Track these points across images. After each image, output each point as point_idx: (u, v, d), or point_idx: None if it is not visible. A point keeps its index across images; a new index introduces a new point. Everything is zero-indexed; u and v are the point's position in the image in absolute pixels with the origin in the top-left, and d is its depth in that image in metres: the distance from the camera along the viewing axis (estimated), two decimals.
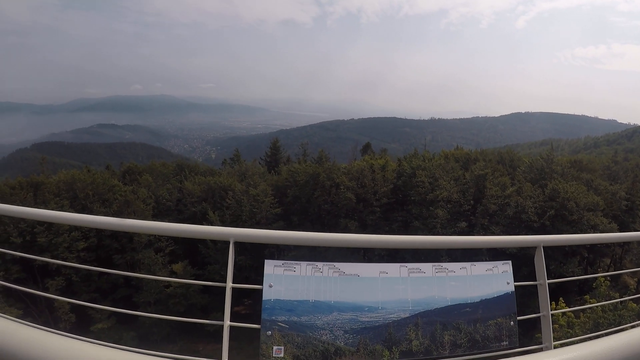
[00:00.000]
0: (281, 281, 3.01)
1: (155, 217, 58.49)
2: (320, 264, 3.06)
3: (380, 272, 3.13)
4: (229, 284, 3.32)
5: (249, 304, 60.07)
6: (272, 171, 68.41)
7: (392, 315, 3.07)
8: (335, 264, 3.08)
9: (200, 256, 55.74)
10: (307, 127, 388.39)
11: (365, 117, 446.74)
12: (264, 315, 3.00)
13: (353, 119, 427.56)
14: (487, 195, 51.82)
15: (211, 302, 53.92)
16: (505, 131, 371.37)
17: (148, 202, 58.55)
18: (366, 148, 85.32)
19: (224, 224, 54.68)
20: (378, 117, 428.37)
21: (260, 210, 53.67)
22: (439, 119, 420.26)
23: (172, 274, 54.21)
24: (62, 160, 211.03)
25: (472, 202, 52.84)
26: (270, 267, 3.05)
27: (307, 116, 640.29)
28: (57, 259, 50.45)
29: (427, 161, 56.36)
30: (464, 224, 50.88)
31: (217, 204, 58.33)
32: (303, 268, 3.05)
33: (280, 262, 3.05)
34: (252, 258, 50.64)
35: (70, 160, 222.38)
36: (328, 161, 65.44)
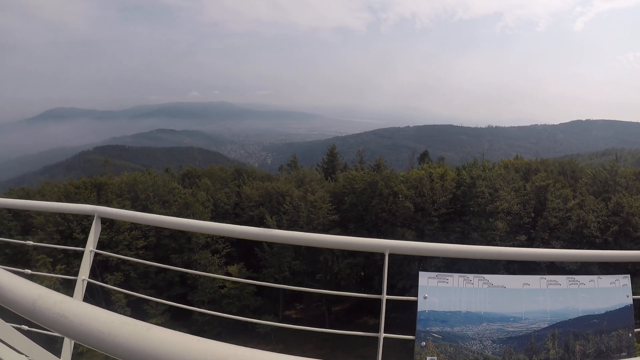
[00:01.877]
0: (435, 293, 3.05)
1: (213, 220, 59.17)
2: (470, 276, 3.10)
3: (524, 284, 3.16)
4: (384, 296, 3.34)
5: (301, 308, 60.25)
6: (329, 178, 68.47)
7: (534, 326, 3.10)
8: (484, 275, 3.11)
9: (256, 259, 56.24)
10: (363, 134, 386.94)
11: (421, 124, 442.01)
12: (418, 327, 3.04)
13: (409, 126, 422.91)
14: (548, 208, 50.07)
15: (264, 304, 54.42)
16: (565, 140, 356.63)
17: (207, 205, 59.55)
18: (424, 156, 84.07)
19: (280, 228, 54.74)
20: (434, 125, 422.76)
21: (318, 216, 53.68)
22: (496, 126, 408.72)
23: (228, 275, 54.81)
24: (123, 162, 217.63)
25: (532, 214, 51.17)
26: (425, 279, 3.08)
27: (362, 123, 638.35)
28: (117, 255, 51.83)
29: (487, 171, 54.88)
30: (523, 237, 49.29)
31: (274, 208, 58.72)
32: (455, 280, 3.08)
33: (434, 274, 3.09)
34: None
35: (131, 163, 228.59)
36: (386, 169, 64.91)
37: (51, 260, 51.86)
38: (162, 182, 64.03)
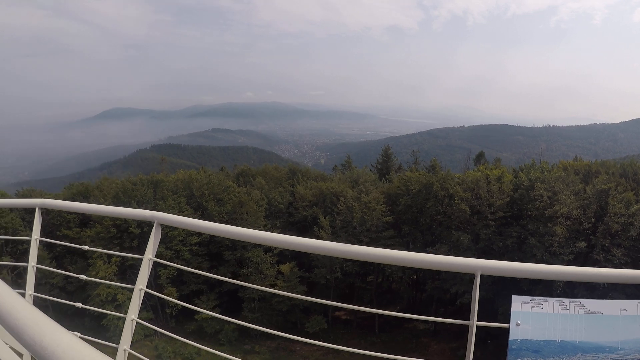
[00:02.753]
0: (528, 319, 2.79)
1: (266, 219, 59.98)
2: (567, 301, 2.81)
3: (621, 310, 2.83)
4: (474, 322, 3.01)
5: (351, 310, 59.91)
6: (383, 179, 67.94)
7: (630, 357, 2.79)
8: (580, 300, 2.83)
9: (308, 258, 56.31)
10: (417, 134, 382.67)
11: (476, 124, 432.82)
12: (510, 356, 2.77)
13: (463, 126, 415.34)
14: (610, 213, 47.52)
15: (313, 304, 54.30)
16: (626, 140, 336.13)
17: (261, 204, 60.04)
18: (479, 157, 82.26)
19: (334, 229, 54.95)
20: (489, 125, 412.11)
21: (371, 217, 53.24)
22: (553, 126, 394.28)
23: (279, 274, 55.27)
24: (179, 160, 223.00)
25: (592, 219, 48.90)
26: (518, 304, 2.82)
27: (416, 123, 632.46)
28: (171, 251, 53.48)
29: (545, 173, 52.86)
30: (582, 244, 46.98)
31: (327, 209, 58.63)
32: (550, 305, 2.80)
33: (528, 299, 2.82)
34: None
35: (187, 161, 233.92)
36: (441, 170, 63.87)
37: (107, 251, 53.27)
38: (217, 181, 64.99)
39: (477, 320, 2.98)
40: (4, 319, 1.58)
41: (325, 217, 56.50)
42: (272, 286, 54.71)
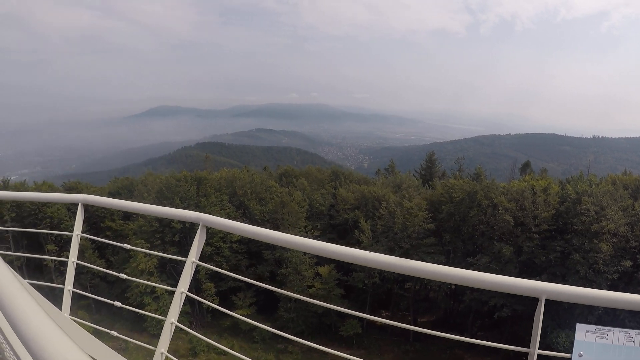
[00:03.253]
0: (592, 350, 2.58)
1: (307, 220, 60.07)
2: (632, 332, 2.58)
3: None
4: (535, 350, 2.92)
5: (386, 315, 59.54)
6: (427, 185, 67.18)
7: None
8: None
9: (347, 262, 56.04)
10: (462, 140, 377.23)
11: (522, 132, 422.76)
12: None
13: (509, 134, 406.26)
14: None
15: (350, 308, 54.02)
16: None
17: (302, 205, 60.21)
18: (525, 167, 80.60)
19: (374, 234, 54.68)
20: (536, 133, 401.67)
21: (413, 224, 52.64)
22: (602, 137, 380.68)
23: (317, 275, 55.27)
24: (222, 159, 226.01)
25: None
26: (582, 333, 2.61)
27: (461, 129, 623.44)
28: (211, 247, 54.85)
29: (593, 186, 51.04)
30: (628, 263, 44.67)
31: (369, 213, 58.40)
32: (615, 336, 2.58)
33: (592, 328, 2.62)
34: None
35: (230, 159, 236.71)
36: (486, 178, 62.79)
37: (148, 245, 54.64)
38: (260, 180, 65.52)
39: (539, 349, 2.77)
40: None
41: (366, 221, 56.32)
42: (309, 287, 54.91)
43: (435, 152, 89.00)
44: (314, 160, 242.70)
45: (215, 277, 55.49)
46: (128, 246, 5.25)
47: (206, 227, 4.06)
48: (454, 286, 58.28)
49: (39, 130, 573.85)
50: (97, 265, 55.35)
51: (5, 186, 68.15)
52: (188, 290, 4.09)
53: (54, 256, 56.21)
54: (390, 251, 50.48)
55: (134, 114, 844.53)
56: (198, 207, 56.66)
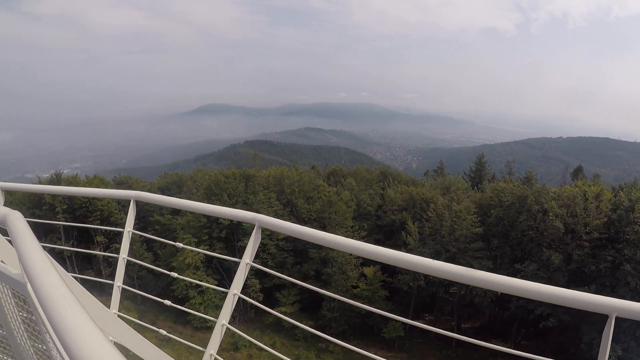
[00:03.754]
0: None
1: (354, 220, 59.92)
2: None
3: None
4: None
5: (429, 320, 58.85)
6: (476, 188, 66.17)
7: None
8: None
9: None
10: (512, 143, 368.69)
11: (574, 135, 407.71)
12: None
13: (561, 137, 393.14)
14: None
15: (393, 310, 53.90)
16: None
17: (350, 205, 60.23)
18: (577, 171, 78.18)
19: (422, 236, 54.19)
20: (588, 137, 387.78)
21: (461, 227, 51.83)
22: None
23: (362, 276, 55.07)
24: (271, 157, 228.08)
25: None
26: None
27: (512, 132, 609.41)
28: None
29: None
30: None
31: (417, 214, 57.92)
32: None
33: None
34: None
35: (278, 157, 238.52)
36: (536, 183, 61.32)
37: (195, 240, 55.54)
38: (308, 179, 65.72)
39: None
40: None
41: (413, 223, 55.92)
42: (354, 288, 54.74)
43: (485, 154, 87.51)
44: (362, 160, 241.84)
45: (260, 273, 55.94)
46: (181, 245, 5.27)
47: (261, 228, 3.99)
48: (500, 292, 56.89)
49: (91, 125, 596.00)
50: (145, 258, 56.96)
51: (58, 179, 70.61)
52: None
53: (102, 248, 58.06)
54: (436, 254, 49.92)
55: (184, 112, 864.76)
56: (246, 205, 57.22)
